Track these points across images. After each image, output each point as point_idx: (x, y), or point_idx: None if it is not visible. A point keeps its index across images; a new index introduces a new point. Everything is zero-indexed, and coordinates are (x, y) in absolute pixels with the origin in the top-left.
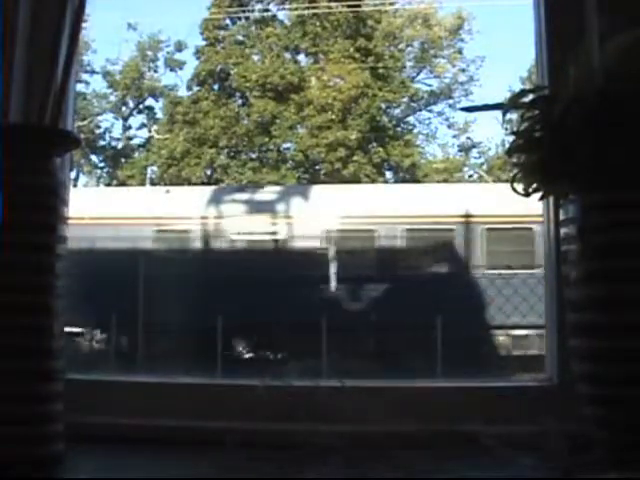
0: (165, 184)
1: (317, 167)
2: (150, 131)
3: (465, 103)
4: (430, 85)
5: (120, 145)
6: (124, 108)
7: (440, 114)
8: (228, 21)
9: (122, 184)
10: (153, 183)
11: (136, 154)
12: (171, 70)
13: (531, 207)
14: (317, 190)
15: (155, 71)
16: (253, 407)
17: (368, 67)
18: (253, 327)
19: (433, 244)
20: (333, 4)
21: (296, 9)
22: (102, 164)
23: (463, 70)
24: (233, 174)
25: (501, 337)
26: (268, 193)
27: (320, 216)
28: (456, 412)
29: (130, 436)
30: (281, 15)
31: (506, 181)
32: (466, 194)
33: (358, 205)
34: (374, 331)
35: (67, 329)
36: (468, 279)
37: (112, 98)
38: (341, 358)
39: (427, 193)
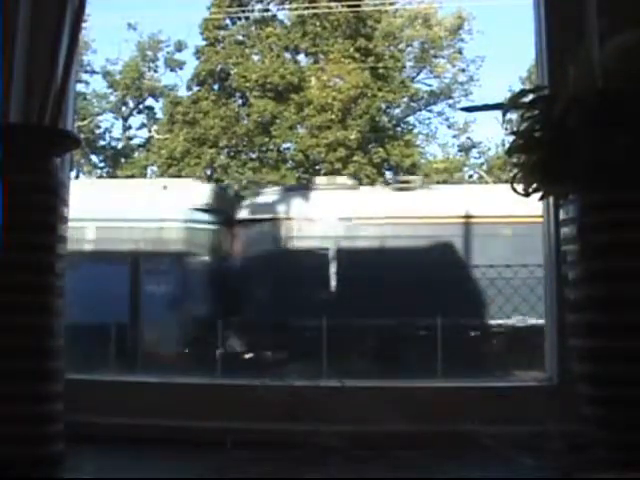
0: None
1: (317, 167)
2: (150, 131)
3: (465, 103)
4: (430, 85)
5: (120, 145)
6: (124, 108)
7: (440, 114)
8: (228, 21)
9: None
10: None
11: (136, 154)
12: (171, 70)
13: None
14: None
15: (155, 71)
16: (253, 407)
17: (368, 67)
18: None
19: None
20: (333, 4)
21: (296, 9)
22: (102, 164)
23: (463, 70)
24: (233, 174)
25: None
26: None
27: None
28: (456, 412)
29: (130, 436)
30: (281, 15)
31: (506, 181)
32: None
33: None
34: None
35: None
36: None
37: (112, 98)
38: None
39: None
